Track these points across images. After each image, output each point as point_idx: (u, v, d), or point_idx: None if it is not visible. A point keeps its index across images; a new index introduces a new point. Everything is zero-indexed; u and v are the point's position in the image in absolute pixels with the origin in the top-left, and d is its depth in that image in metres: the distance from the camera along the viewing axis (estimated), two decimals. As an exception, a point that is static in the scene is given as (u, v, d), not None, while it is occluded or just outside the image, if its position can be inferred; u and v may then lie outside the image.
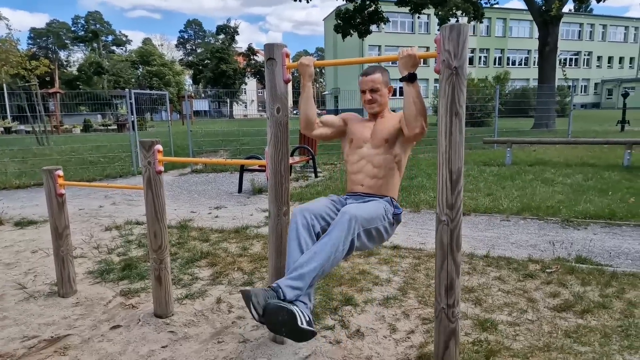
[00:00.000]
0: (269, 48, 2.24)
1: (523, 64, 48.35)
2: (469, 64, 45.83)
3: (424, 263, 3.49)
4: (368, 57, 2.35)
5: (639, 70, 53.66)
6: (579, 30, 50.25)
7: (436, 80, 43.14)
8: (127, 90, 8.67)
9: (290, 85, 2.38)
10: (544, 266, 3.34)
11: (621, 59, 52.72)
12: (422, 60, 2.19)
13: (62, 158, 10.51)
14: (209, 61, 45.36)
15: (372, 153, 2.27)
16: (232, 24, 46.27)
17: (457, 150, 1.90)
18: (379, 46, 41.64)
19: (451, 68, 1.83)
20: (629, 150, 7.94)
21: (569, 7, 18.21)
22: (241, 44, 62.67)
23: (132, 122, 8.58)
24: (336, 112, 42.50)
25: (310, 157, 7.45)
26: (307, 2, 15.92)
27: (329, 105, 46.93)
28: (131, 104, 8.29)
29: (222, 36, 46.15)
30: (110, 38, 60.71)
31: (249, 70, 46.79)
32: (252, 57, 47.00)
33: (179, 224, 4.71)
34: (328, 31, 43.28)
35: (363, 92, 2.33)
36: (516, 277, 3.18)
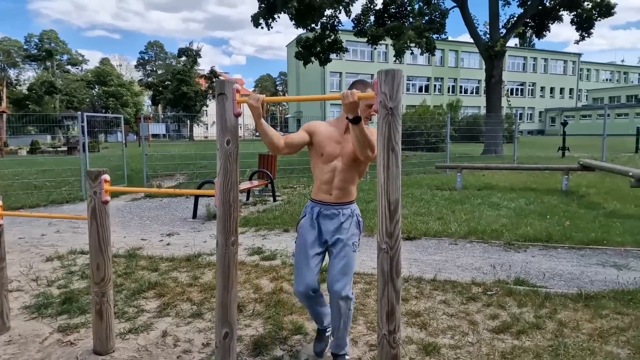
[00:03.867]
0: (220, 84, 2.32)
1: (474, 92, 50.97)
2: (425, 91, 48.13)
3: (374, 288, 3.58)
4: (312, 96, 2.45)
5: (577, 101, 57.92)
6: (524, 63, 53.86)
7: (393, 106, 44.77)
8: (79, 112, 8.43)
9: (241, 118, 2.45)
10: (485, 289, 3.52)
11: (562, 90, 56.78)
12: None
13: (4, 182, 9.97)
14: (169, 82, 44.71)
15: (341, 168, 2.40)
16: (194, 46, 46.08)
17: (394, 182, 2.03)
18: (340, 73, 42.74)
19: (387, 108, 1.97)
20: (566, 176, 8.52)
21: (514, 41, 19.70)
22: (204, 66, 62.38)
23: (83, 144, 8.32)
24: (297, 135, 42.89)
25: (269, 181, 7.49)
26: (268, 29, 16.25)
27: (291, 128, 47.26)
28: (82, 126, 8.06)
29: (184, 58, 45.74)
30: (65, 57, 58.80)
31: (210, 92, 46.55)
32: (214, 80, 46.88)
33: (127, 252, 4.58)
34: (291, 57, 44.03)
35: (367, 107, 2.36)
36: (460, 300, 3.32)
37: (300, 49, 17.54)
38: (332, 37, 17.81)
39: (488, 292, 3.43)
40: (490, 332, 2.83)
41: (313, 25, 16.72)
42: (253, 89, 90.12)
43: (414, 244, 4.94)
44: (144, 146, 9.21)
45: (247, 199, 7.72)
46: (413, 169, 12.31)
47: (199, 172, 11.48)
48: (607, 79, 63.59)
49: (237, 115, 2.38)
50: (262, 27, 16.23)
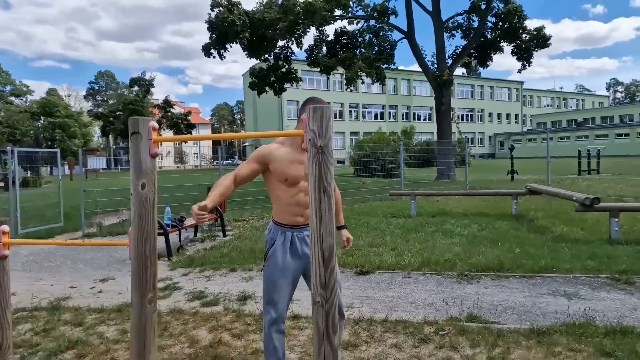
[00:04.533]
0: (134, 122, 2.07)
1: (427, 119, 52.85)
2: (380, 118, 49.40)
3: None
4: (250, 133, 2.31)
5: (523, 125, 61.33)
6: (472, 91, 56.72)
7: (352, 133, 45.49)
8: (8, 147, 7.80)
9: (156, 159, 2.20)
10: (438, 328, 3.35)
11: (508, 115, 60.03)
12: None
13: None
14: (120, 112, 43.34)
15: (306, 188, 2.31)
16: (147, 76, 45.14)
17: (328, 226, 1.83)
18: (297, 101, 43.09)
19: (317, 147, 1.80)
20: (515, 200, 8.72)
21: (461, 70, 20.70)
22: (158, 95, 61.12)
23: (13, 181, 7.67)
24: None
25: (218, 215, 7.15)
26: (221, 59, 16.12)
27: (249, 155, 46.86)
28: (13, 161, 7.44)
29: (136, 88, 44.62)
30: (8, 88, 56.02)
31: (164, 122, 45.43)
32: (168, 109, 45.84)
33: (50, 304, 4.10)
34: (247, 85, 44.28)
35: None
36: (412, 342, 3.14)
37: (253, 79, 17.51)
38: (286, 67, 17.94)
39: (440, 332, 3.27)
40: (443, 378, 2.65)
41: (266, 55, 16.80)
42: (210, 117, 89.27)
43: (367, 279, 4.75)
44: (82, 183, 8.60)
45: (195, 235, 7.31)
46: (370, 196, 12.29)
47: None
48: (548, 105, 67.94)
49: (154, 155, 2.12)
50: (213, 57, 16.12)
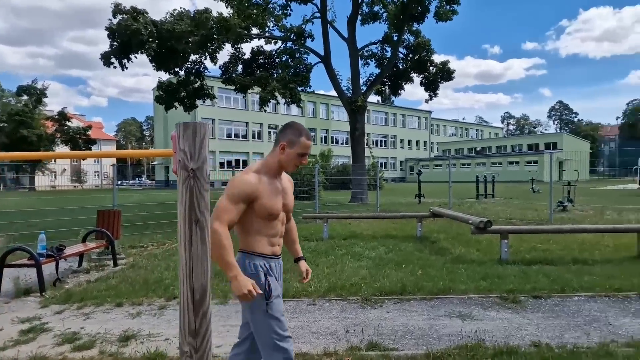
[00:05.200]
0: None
1: (345, 143, 54.60)
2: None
3: (213, 373, 3.05)
4: (114, 152, 2.01)
5: (430, 152, 65.96)
6: (385, 118, 60.00)
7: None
8: None
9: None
10: (337, 359, 3.24)
11: (417, 142, 64.27)
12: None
13: None
14: (5, 124, 38.66)
15: (284, 217, 2.32)
16: (39, 84, 40.97)
17: (200, 263, 1.63)
18: (213, 119, 42.08)
19: (187, 170, 1.60)
20: (420, 223, 9.11)
21: (376, 98, 21.75)
22: (55, 107, 55.70)
23: None
24: (167, 182, 40.25)
25: (109, 242, 6.45)
26: (123, 69, 15.13)
27: (158, 176, 44.43)
28: None
29: (25, 97, 40.27)
30: None
31: (59, 136, 41.33)
32: (64, 123, 41.85)
33: None
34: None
35: (302, 155, 2.21)
36: (309, 376, 2.98)
37: (161, 92, 16.60)
38: (199, 83, 17.33)
39: (339, 363, 3.15)
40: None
41: (177, 69, 16.10)
42: (115, 132, 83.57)
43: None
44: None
45: (80, 265, 6.45)
46: (283, 218, 12.13)
47: (24, 233, 9.38)
48: (452, 134, 74.04)
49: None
50: (114, 67, 15.12)
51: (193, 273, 1.62)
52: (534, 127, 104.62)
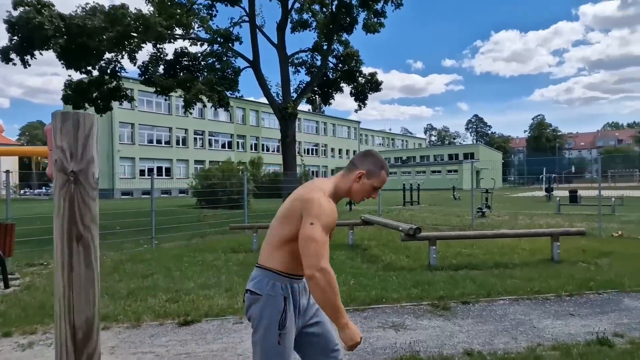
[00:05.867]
0: None
1: (276, 150, 54.22)
2: (228, 148, 48.65)
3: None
4: None
5: (360, 160, 67.63)
6: (317, 126, 60.60)
7: (197, 162, 43.59)
8: None
9: None
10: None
11: (347, 151, 65.64)
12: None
13: None
14: None
15: None
16: None
17: (85, 291, 1.27)
18: (133, 124, 39.56)
19: (67, 173, 1.24)
20: (351, 231, 9.07)
21: (307, 107, 21.78)
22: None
23: None
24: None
25: (-2, 261, 5.54)
26: (25, 66, 13.56)
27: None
28: None
29: None
30: None
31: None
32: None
33: None
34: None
35: (376, 189, 2.02)
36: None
37: (69, 92, 15.05)
38: (114, 83, 16.03)
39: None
40: None
41: (89, 68, 14.75)
42: (18, 137, 76.02)
43: (190, 330, 4.10)
44: None
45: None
46: (211, 229, 11.52)
47: None
48: (380, 144, 76.76)
49: None
50: (14, 64, 13.55)
51: (74, 305, 1.26)
52: (454, 139, 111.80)
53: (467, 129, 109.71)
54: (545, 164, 34.40)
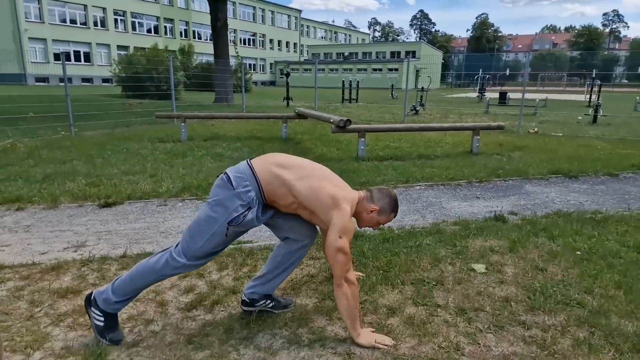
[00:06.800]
0: None
1: (209, 39, 50.26)
2: (155, 33, 44.23)
3: (32, 284, 2.60)
4: None
5: (300, 55, 65.10)
6: (254, 13, 56.04)
7: (119, 47, 39.30)
8: None
9: None
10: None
11: (287, 43, 62.46)
12: None
13: None
14: None
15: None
16: None
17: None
18: None
19: None
20: (285, 124, 9.01)
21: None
22: None
23: None
24: (21, 79, 32.63)
25: None
26: None
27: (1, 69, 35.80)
28: None
29: None
30: None
31: None
32: None
33: None
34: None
35: (379, 225, 2.26)
36: (152, 277, 2.73)
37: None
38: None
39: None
40: (182, 310, 2.37)
41: None
42: None
43: (112, 211, 4.05)
44: None
45: None
46: (137, 119, 10.92)
47: None
48: (322, 37, 73.52)
49: None
50: None
51: None
52: (397, 35, 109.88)
53: (411, 25, 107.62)
54: (482, 65, 35.25)
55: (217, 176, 2.08)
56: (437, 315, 2.33)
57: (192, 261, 2.05)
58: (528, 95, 15.29)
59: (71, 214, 3.91)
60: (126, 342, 2.07)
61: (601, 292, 2.55)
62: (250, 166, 2.04)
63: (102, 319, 2.05)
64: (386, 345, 2.03)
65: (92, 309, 2.06)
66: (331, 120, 6.96)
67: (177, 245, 2.08)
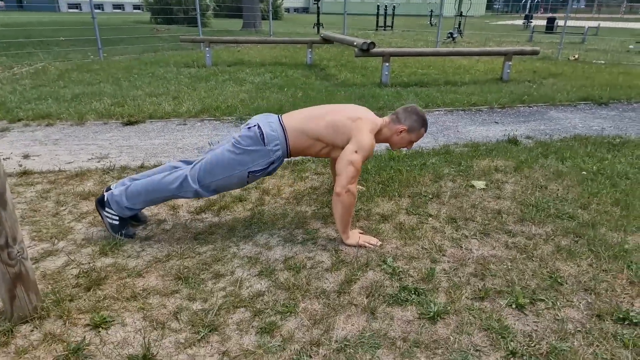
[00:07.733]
0: None
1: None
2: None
3: (58, 187, 2.87)
4: None
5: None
6: None
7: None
8: None
9: None
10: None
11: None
12: None
13: None
14: None
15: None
16: None
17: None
18: None
19: None
20: (310, 49, 8.82)
21: None
22: None
23: None
24: (20, 4, 32.95)
25: None
26: None
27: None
28: None
29: None
30: None
31: None
32: None
33: None
34: None
35: (412, 143, 2.32)
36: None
37: None
38: None
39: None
40: (191, 213, 2.58)
41: None
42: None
43: (134, 129, 4.26)
44: None
45: None
46: (164, 44, 10.95)
47: None
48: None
49: None
50: None
51: None
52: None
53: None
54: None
55: (246, 125, 2.18)
56: (426, 223, 2.43)
57: (204, 190, 2.19)
58: (580, 23, 14.04)
59: (96, 130, 4.14)
60: (139, 236, 2.30)
61: (597, 208, 2.56)
62: (282, 124, 2.14)
63: (117, 218, 2.26)
64: (371, 245, 2.16)
65: (107, 209, 2.25)
66: (354, 44, 6.76)
67: (193, 167, 2.19)
